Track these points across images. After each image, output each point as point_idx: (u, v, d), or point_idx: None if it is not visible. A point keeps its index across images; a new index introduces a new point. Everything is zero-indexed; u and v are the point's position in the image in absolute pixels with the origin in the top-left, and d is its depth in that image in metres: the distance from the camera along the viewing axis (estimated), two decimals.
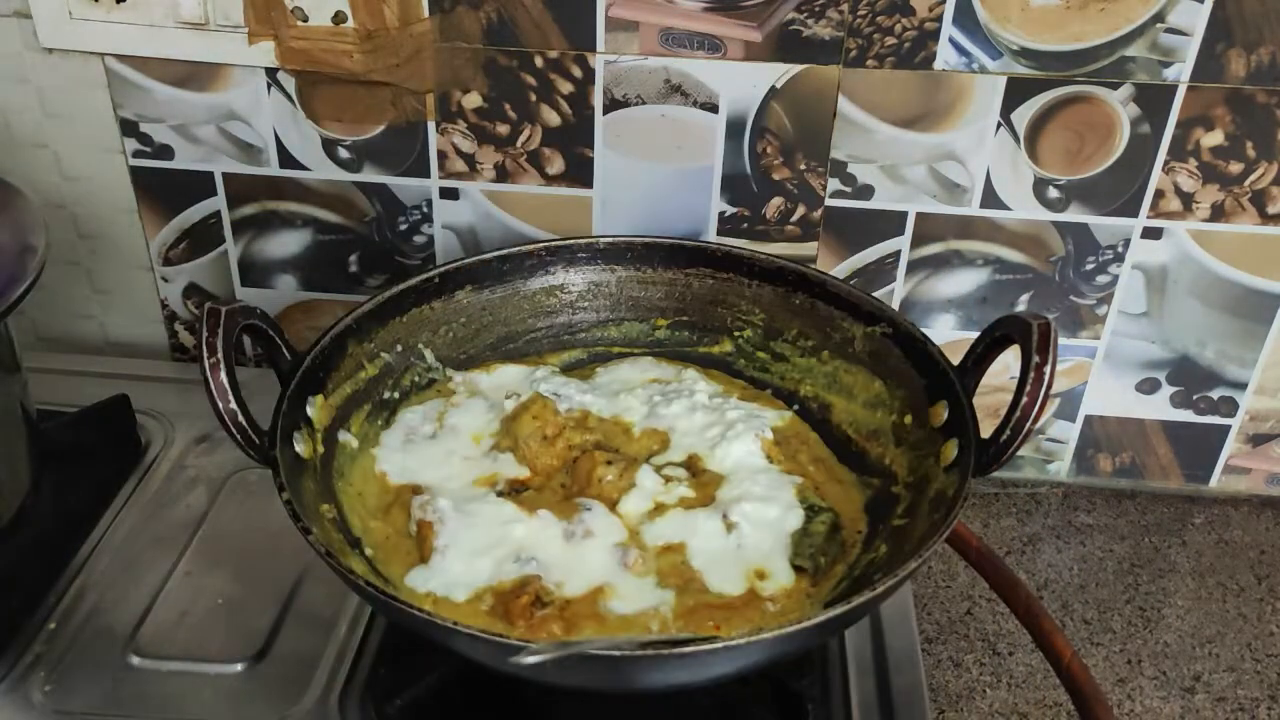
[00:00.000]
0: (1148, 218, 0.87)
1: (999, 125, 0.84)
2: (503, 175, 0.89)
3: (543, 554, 0.68)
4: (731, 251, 0.82)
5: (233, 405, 0.63)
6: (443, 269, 0.80)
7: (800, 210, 0.89)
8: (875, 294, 0.81)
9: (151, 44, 0.85)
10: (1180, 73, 0.81)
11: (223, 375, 0.63)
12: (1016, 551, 0.93)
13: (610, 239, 0.83)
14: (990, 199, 0.87)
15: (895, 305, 0.92)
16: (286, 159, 0.90)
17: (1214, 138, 0.83)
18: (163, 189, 0.93)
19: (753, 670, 0.63)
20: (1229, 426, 0.95)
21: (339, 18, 0.82)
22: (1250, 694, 0.82)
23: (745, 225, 0.90)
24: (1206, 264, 0.88)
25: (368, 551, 0.68)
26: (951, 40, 0.81)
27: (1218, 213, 0.86)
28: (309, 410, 0.70)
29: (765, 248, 0.89)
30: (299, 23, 0.83)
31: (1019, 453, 0.65)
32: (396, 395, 0.78)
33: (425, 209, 0.92)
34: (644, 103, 0.85)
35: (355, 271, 0.96)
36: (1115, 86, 0.82)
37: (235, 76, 0.87)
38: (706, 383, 0.80)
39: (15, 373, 0.78)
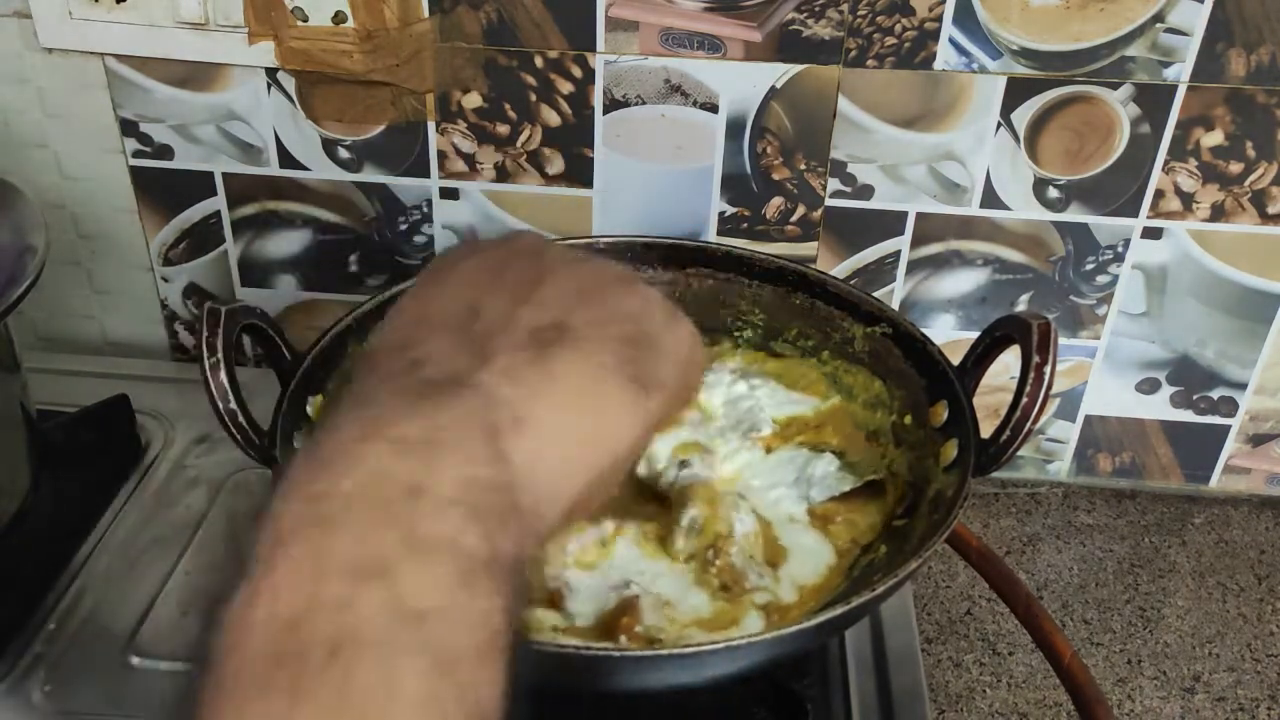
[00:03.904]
0: (1148, 218, 0.87)
1: (999, 125, 0.84)
2: (503, 175, 0.89)
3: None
4: (731, 251, 0.82)
5: (233, 405, 0.63)
6: None
7: (800, 210, 0.89)
8: (875, 294, 0.81)
9: (151, 44, 0.85)
10: (1180, 73, 0.81)
11: (223, 375, 0.63)
12: (1016, 551, 0.93)
13: (610, 239, 0.83)
14: (990, 199, 0.87)
15: (895, 305, 0.92)
16: (286, 159, 0.90)
17: (1214, 138, 0.83)
18: (163, 189, 0.93)
19: (753, 670, 0.63)
20: (1229, 426, 0.95)
21: (339, 18, 0.82)
22: (1250, 694, 0.82)
23: (745, 225, 0.90)
24: (1206, 264, 0.88)
25: None
26: (951, 40, 0.81)
27: (1218, 213, 0.86)
28: (309, 410, 0.70)
29: (765, 248, 0.89)
30: (299, 23, 0.83)
31: (1019, 453, 0.65)
32: None
33: (425, 209, 0.92)
34: (644, 103, 0.85)
35: (355, 271, 0.96)
36: (1115, 86, 0.82)
37: (235, 76, 0.87)
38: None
39: (15, 373, 0.78)
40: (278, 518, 0.32)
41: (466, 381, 0.36)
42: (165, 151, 0.91)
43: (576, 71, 0.84)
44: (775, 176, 0.88)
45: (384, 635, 0.29)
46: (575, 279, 0.42)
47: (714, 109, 0.85)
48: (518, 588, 0.32)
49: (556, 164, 0.89)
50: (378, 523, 0.31)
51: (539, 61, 0.84)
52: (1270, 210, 0.85)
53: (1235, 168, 0.84)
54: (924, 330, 0.74)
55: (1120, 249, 0.88)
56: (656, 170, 0.88)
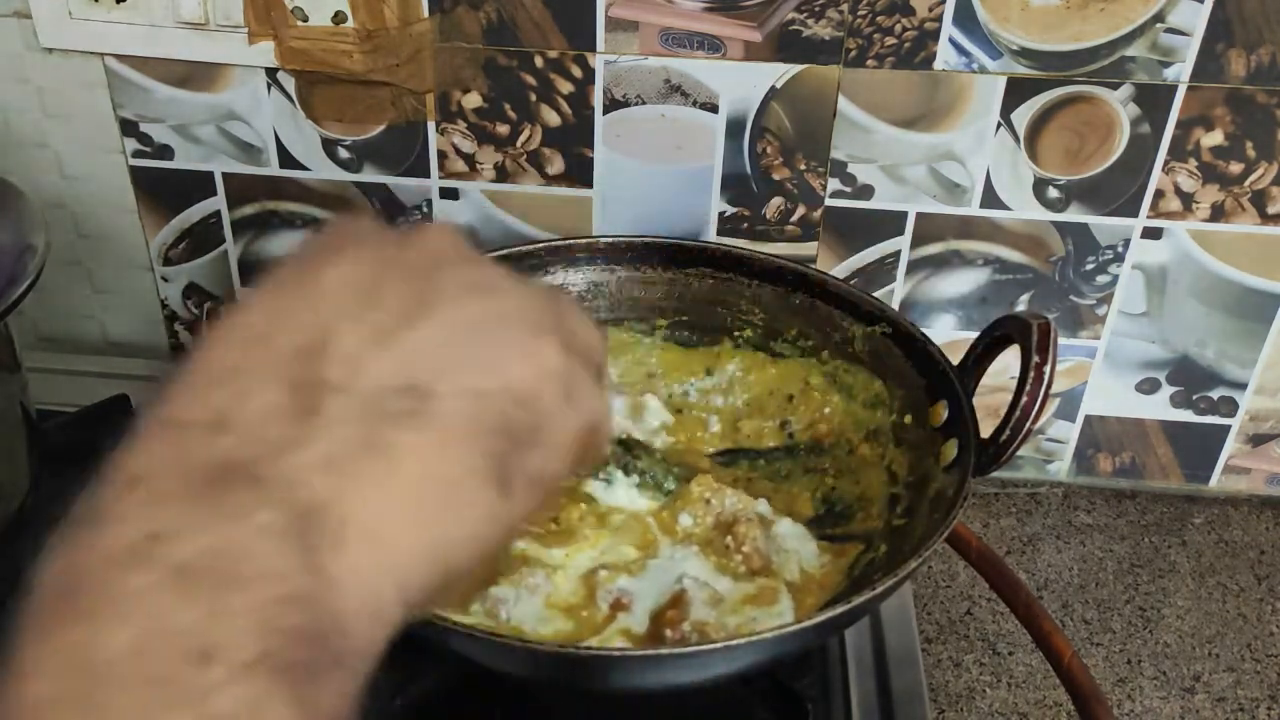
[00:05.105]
0: (1148, 218, 0.87)
1: (999, 125, 0.84)
2: (503, 175, 0.89)
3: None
4: (731, 251, 0.82)
5: None
6: None
7: (800, 210, 0.89)
8: (875, 294, 0.81)
9: (151, 44, 0.85)
10: (1180, 73, 0.81)
11: None
12: (1016, 551, 0.93)
13: (610, 239, 0.83)
14: (990, 199, 0.87)
15: (895, 305, 0.92)
16: (286, 159, 0.90)
17: (1214, 138, 0.83)
18: (163, 189, 0.93)
19: (753, 670, 0.63)
20: (1229, 426, 0.95)
21: (339, 18, 0.82)
22: (1250, 694, 0.82)
23: (745, 225, 0.90)
24: (1206, 264, 0.88)
25: None
26: (951, 40, 0.81)
27: (1218, 213, 0.86)
28: None
29: (765, 248, 0.89)
30: (299, 23, 0.83)
31: (1019, 453, 0.65)
32: None
33: (425, 209, 0.92)
34: (644, 103, 0.85)
35: None
36: (1115, 86, 0.82)
37: (235, 76, 0.87)
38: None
39: (15, 373, 0.78)
40: (29, 685, 0.25)
41: (274, 468, 0.28)
42: (165, 151, 0.91)
43: (576, 71, 0.84)
44: (775, 176, 0.88)
45: None
46: (465, 318, 0.32)
47: (714, 109, 0.85)
48: None
49: (556, 164, 0.89)
50: (157, 705, 0.25)
51: (539, 61, 0.84)
52: (1270, 210, 0.85)
53: (1235, 168, 0.84)
54: (924, 330, 0.74)
55: (1120, 249, 0.88)
56: (656, 170, 0.88)
